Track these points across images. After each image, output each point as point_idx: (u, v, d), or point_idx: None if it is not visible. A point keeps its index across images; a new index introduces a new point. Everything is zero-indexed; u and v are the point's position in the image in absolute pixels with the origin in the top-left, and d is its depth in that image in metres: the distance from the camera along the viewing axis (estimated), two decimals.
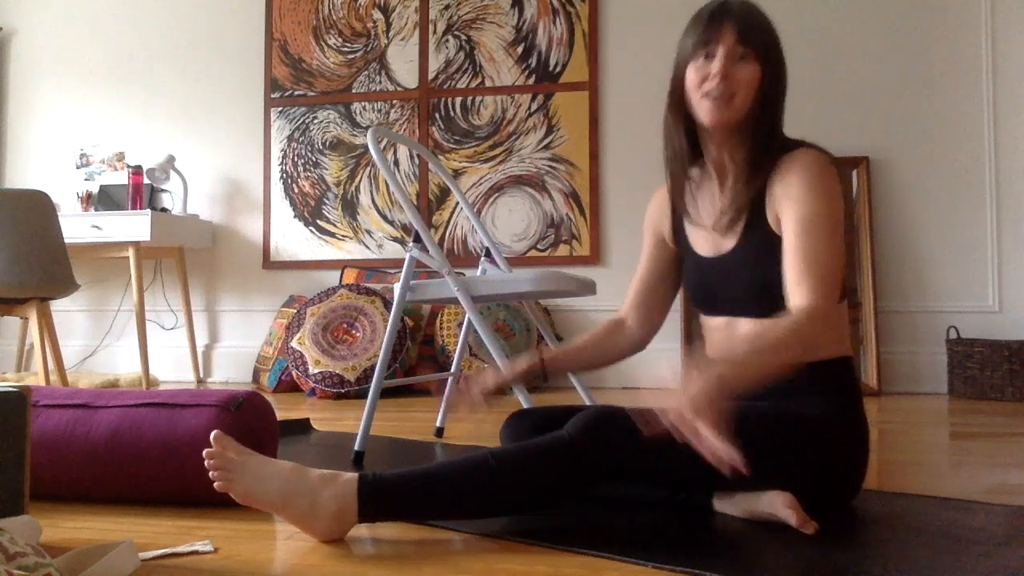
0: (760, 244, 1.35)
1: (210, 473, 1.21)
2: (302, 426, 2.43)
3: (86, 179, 4.39)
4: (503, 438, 1.55)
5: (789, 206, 1.31)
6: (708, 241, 1.44)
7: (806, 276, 1.26)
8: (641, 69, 3.85)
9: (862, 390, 1.34)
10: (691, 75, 1.35)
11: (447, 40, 4.08)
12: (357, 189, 4.13)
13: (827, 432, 1.32)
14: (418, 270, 2.06)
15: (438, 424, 2.34)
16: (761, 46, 1.33)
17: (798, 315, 1.23)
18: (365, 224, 4.12)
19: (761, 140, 1.36)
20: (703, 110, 1.34)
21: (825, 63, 3.70)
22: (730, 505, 1.34)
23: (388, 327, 1.97)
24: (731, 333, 1.42)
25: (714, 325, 1.46)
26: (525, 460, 1.25)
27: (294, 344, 3.62)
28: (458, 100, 4.05)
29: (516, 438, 1.47)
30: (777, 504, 1.26)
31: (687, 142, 1.41)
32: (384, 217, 4.11)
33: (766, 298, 1.33)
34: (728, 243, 1.40)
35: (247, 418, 1.51)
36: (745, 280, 1.37)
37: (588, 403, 2.21)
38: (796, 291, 1.26)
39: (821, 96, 3.68)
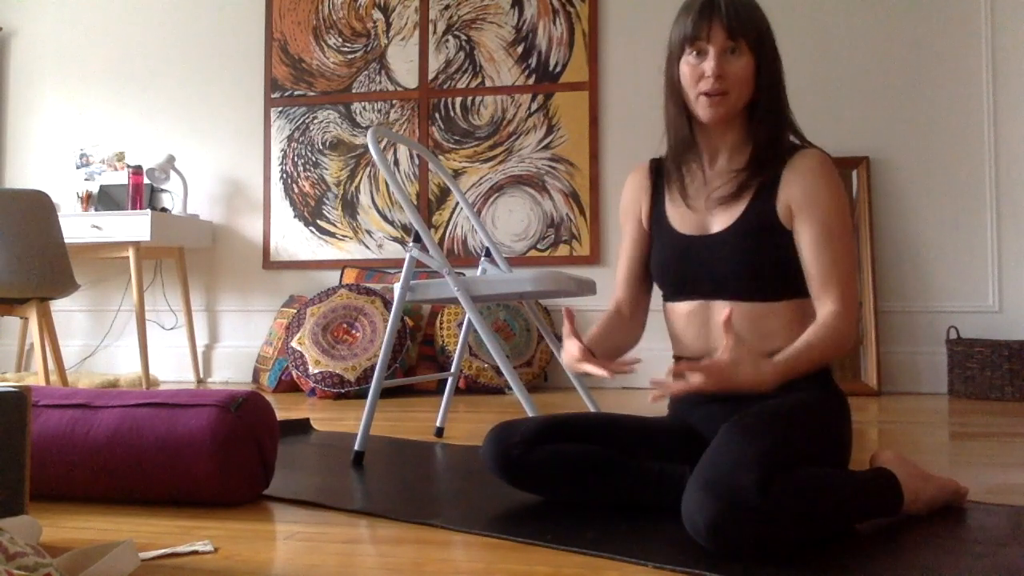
0: (760, 228, 1.37)
1: None
2: (302, 426, 2.43)
3: (86, 179, 4.39)
4: (491, 451, 1.45)
5: (810, 211, 1.34)
6: (691, 220, 1.44)
7: (833, 284, 1.32)
8: (641, 69, 3.85)
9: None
10: (685, 70, 1.37)
11: (447, 40, 4.08)
12: (357, 189, 4.13)
13: (825, 408, 1.35)
14: (418, 270, 2.06)
15: (438, 424, 2.34)
16: (752, 35, 1.33)
17: (835, 321, 1.30)
18: (365, 224, 4.12)
19: (768, 126, 1.38)
20: (700, 107, 1.37)
21: (825, 63, 3.70)
22: None
23: (388, 327, 1.97)
24: (706, 319, 1.41)
25: (684, 311, 1.45)
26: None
27: (294, 344, 3.62)
28: (458, 100, 4.05)
29: (501, 452, 1.42)
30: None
31: (688, 130, 1.43)
32: (384, 217, 4.11)
33: (752, 279, 1.37)
34: (717, 223, 1.41)
35: (247, 418, 1.51)
36: (735, 259, 1.37)
37: (589, 406, 2.21)
38: (825, 298, 1.33)
39: (821, 96, 3.68)
